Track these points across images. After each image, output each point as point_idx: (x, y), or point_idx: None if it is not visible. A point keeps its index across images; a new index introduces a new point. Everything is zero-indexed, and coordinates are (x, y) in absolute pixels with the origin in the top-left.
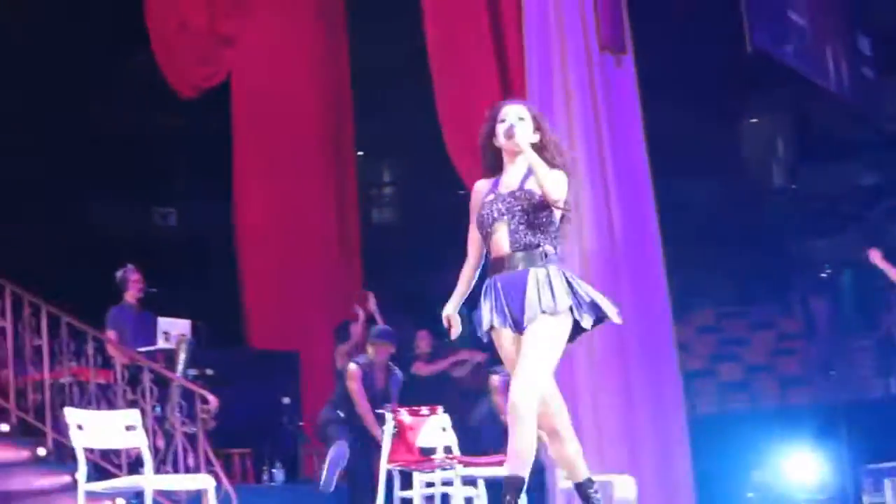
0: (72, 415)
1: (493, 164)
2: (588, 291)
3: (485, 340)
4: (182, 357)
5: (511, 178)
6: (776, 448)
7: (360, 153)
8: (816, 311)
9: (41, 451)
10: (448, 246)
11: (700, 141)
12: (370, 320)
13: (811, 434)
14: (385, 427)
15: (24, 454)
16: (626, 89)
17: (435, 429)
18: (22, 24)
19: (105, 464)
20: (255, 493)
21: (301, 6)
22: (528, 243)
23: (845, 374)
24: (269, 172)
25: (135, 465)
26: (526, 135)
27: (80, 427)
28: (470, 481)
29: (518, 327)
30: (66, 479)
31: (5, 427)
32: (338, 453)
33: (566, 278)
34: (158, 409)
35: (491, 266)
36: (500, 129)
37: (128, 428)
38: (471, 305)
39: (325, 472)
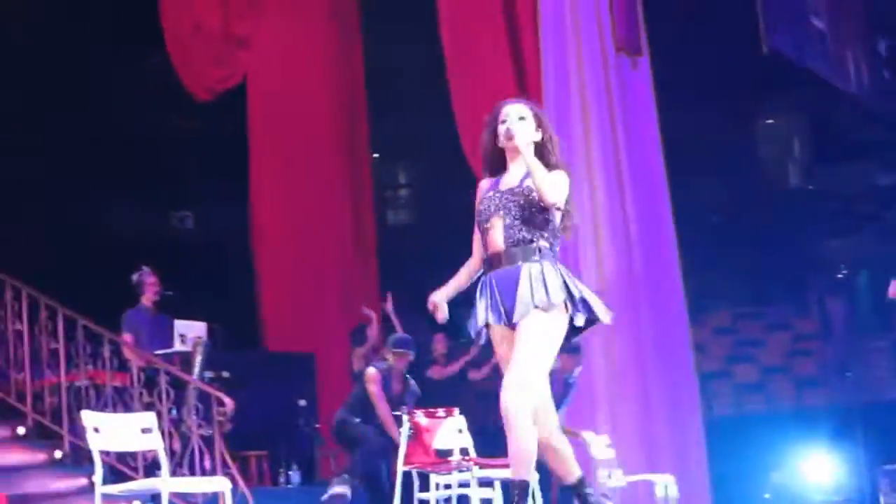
0: (88, 417)
1: (496, 164)
2: (581, 289)
3: (480, 340)
4: (198, 359)
5: (512, 176)
6: (792, 449)
7: (375, 155)
8: (832, 312)
9: (57, 454)
10: (463, 247)
11: (716, 142)
12: (385, 322)
13: (827, 435)
14: (402, 429)
15: (41, 457)
16: (641, 91)
17: (451, 431)
18: (39, 26)
19: (121, 466)
20: (272, 495)
21: (315, 7)
22: (522, 239)
23: (861, 375)
24: (284, 174)
25: (151, 468)
26: (527, 135)
27: (96, 430)
28: (486, 483)
29: (509, 321)
30: (83, 481)
31: (22, 430)
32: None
33: (561, 274)
34: (175, 412)
35: (486, 263)
36: (501, 129)
37: (144, 430)
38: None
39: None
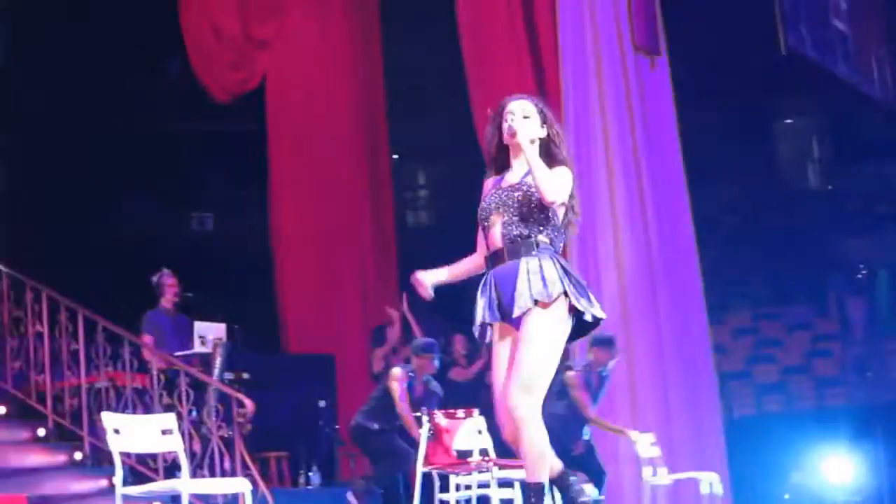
0: (108, 419)
1: (500, 161)
2: (580, 280)
3: (485, 338)
4: (218, 361)
5: (514, 173)
6: (812, 449)
7: (394, 156)
8: (852, 312)
9: (78, 456)
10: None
11: (735, 142)
12: (405, 323)
13: (847, 435)
14: (422, 430)
15: (61, 458)
16: (660, 91)
17: (471, 431)
18: (62, 27)
19: (141, 468)
20: (292, 496)
21: (334, 10)
22: (520, 235)
23: (881, 375)
24: (304, 176)
25: (171, 469)
26: (532, 132)
27: (116, 431)
28: (506, 483)
29: (508, 316)
30: (103, 483)
31: (42, 431)
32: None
33: (560, 266)
34: (195, 413)
35: (488, 261)
36: (505, 127)
37: (164, 432)
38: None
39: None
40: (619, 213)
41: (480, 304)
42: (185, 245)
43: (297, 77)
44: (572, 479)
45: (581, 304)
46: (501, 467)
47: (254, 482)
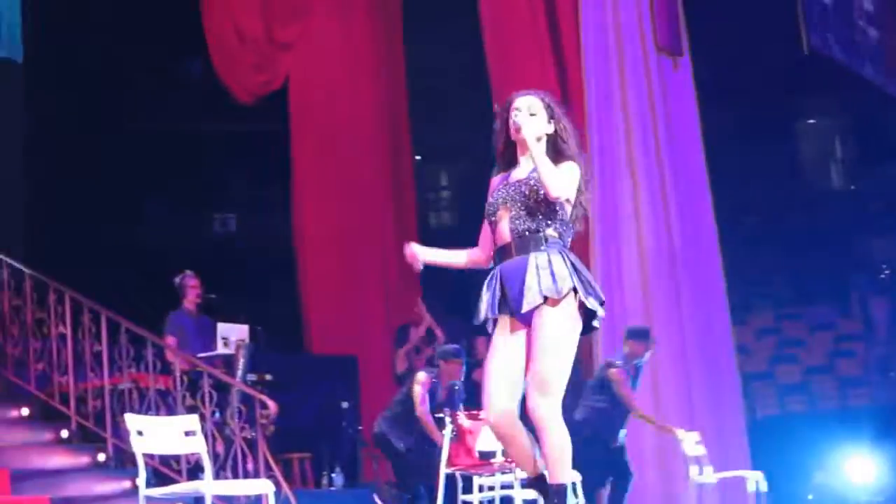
0: (132, 421)
1: (508, 157)
2: (588, 276)
3: (488, 328)
4: (241, 362)
5: (522, 169)
6: (835, 450)
7: (417, 157)
8: (875, 312)
9: (101, 457)
10: None
11: (758, 142)
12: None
13: (870, 435)
14: (444, 431)
15: (84, 460)
16: (683, 91)
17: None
18: (82, 29)
19: (164, 469)
20: (315, 497)
21: (356, 11)
22: (528, 229)
23: None
24: (327, 177)
25: (194, 471)
26: (538, 128)
27: (139, 433)
28: (528, 485)
29: (514, 311)
30: (126, 484)
31: (65, 433)
32: None
33: (570, 261)
34: (218, 415)
35: (495, 256)
36: (511, 122)
37: (187, 433)
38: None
39: None
40: (641, 213)
41: (485, 298)
42: (208, 246)
43: (320, 78)
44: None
45: (589, 303)
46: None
47: (277, 483)
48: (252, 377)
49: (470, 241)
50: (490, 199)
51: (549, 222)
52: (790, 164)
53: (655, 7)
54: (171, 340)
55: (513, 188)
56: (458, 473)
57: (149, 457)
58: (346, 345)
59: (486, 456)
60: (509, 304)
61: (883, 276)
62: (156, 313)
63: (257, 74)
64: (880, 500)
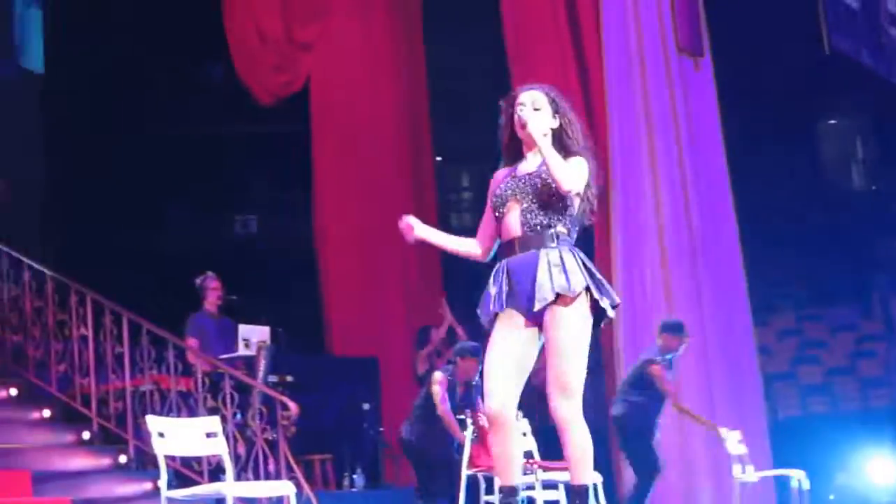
0: (153, 422)
1: (513, 151)
2: (600, 275)
3: (487, 326)
4: (262, 364)
5: (529, 163)
6: (857, 450)
7: (437, 158)
8: None
9: (122, 459)
10: None
11: (778, 142)
12: (450, 326)
13: (892, 436)
14: (466, 432)
15: (106, 461)
16: (704, 92)
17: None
18: (103, 34)
19: (186, 471)
20: (336, 498)
21: (377, 12)
22: (540, 224)
23: None
24: (348, 178)
25: (215, 472)
26: (543, 123)
27: (161, 435)
28: (551, 486)
29: (528, 310)
30: (148, 486)
31: (87, 434)
32: None
33: (581, 260)
34: (239, 416)
35: (501, 250)
36: (516, 117)
37: (209, 435)
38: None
39: None
40: (663, 213)
41: (492, 292)
42: (230, 248)
43: (341, 79)
44: (518, 498)
45: (603, 303)
46: (546, 469)
47: (298, 485)
48: (273, 379)
49: None
50: (497, 192)
51: (560, 217)
52: (811, 164)
53: (676, 8)
54: (192, 342)
55: (523, 181)
56: (479, 475)
57: (170, 458)
58: (367, 346)
59: None
60: (516, 299)
61: None
62: (177, 315)
63: (278, 75)
64: None
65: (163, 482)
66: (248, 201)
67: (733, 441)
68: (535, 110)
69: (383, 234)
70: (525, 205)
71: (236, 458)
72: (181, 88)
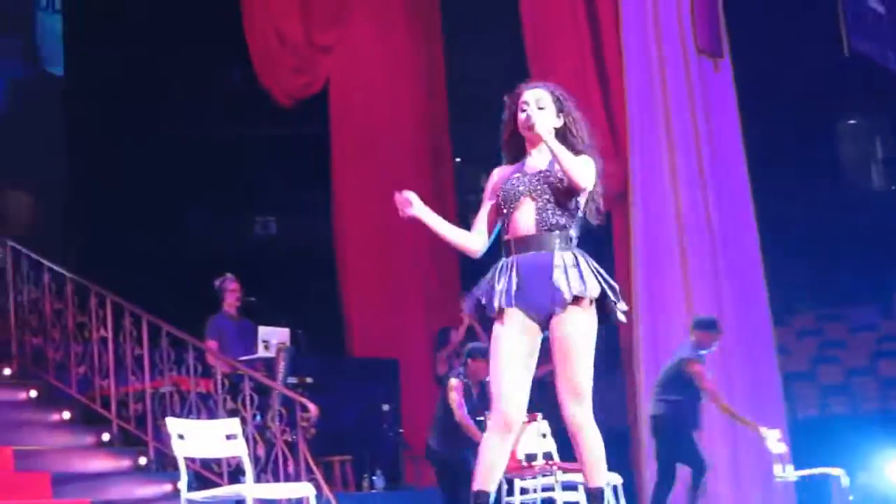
0: (173, 424)
1: (515, 151)
2: (612, 281)
3: (491, 312)
4: (282, 365)
5: (537, 161)
6: (877, 451)
7: (457, 160)
8: None
9: (142, 460)
10: None
11: (798, 143)
12: (470, 327)
13: None
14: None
15: (126, 463)
16: (723, 93)
17: (534, 435)
18: (123, 37)
19: (206, 472)
20: (356, 500)
21: (396, 15)
22: (557, 224)
23: None
24: (367, 179)
25: (235, 474)
26: (547, 122)
27: (181, 436)
28: (570, 487)
29: (537, 310)
30: (168, 487)
31: (107, 436)
32: None
33: (593, 264)
34: (259, 418)
35: (511, 245)
36: (521, 117)
37: (228, 437)
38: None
39: None
40: (682, 213)
41: (498, 287)
42: (249, 249)
43: (360, 81)
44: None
45: (621, 305)
46: (565, 471)
47: (318, 486)
48: (293, 380)
49: None
50: (506, 187)
51: (572, 218)
52: (831, 164)
53: (696, 9)
54: (211, 344)
55: (538, 178)
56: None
57: (190, 460)
58: (386, 347)
59: (528, 458)
60: (526, 298)
61: None
62: (197, 317)
63: (297, 77)
64: None
65: (182, 484)
66: (267, 203)
67: (773, 439)
68: (539, 109)
69: (402, 236)
70: (541, 203)
71: (256, 459)
72: (201, 91)
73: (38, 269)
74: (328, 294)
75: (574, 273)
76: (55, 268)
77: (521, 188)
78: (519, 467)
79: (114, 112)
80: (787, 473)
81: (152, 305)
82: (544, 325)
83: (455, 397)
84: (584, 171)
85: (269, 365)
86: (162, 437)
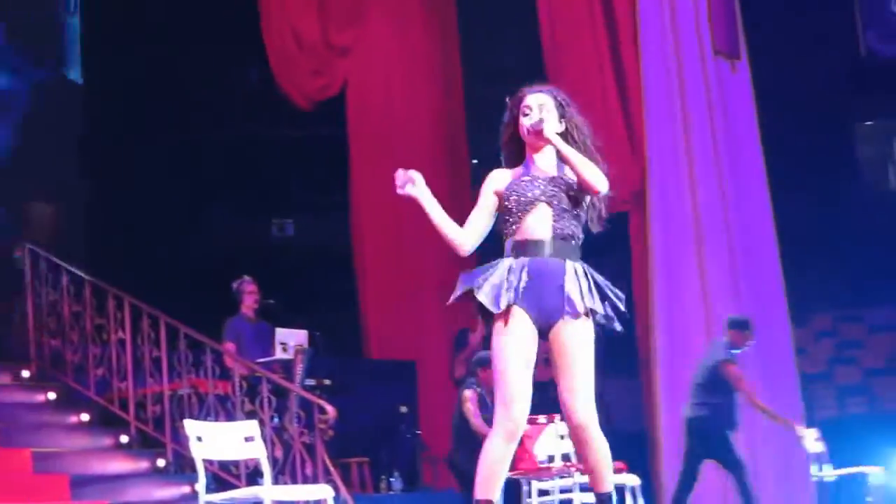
0: (191, 427)
1: (512, 152)
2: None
3: (495, 311)
4: (300, 367)
5: (544, 165)
6: None
7: (474, 161)
8: None
9: (160, 462)
10: None
11: (815, 144)
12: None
13: None
14: None
15: (144, 465)
16: (741, 94)
17: (552, 437)
18: (142, 38)
19: (224, 474)
20: (374, 501)
21: (413, 16)
22: (572, 234)
23: None
24: (385, 181)
25: (253, 476)
26: (552, 126)
27: (199, 439)
28: (588, 489)
29: (543, 317)
30: (186, 489)
31: (125, 438)
32: None
33: (598, 276)
34: (277, 420)
35: (521, 247)
36: (525, 121)
37: (246, 439)
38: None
39: None
40: (700, 213)
41: (505, 286)
42: (267, 251)
43: (377, 82)
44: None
45: (619, 319)
46: (583, 472)
47: (336, 488)
48: (311, 382)
49: None
50: (518, 188)
51: (580, 227)
52: (848, 165)
53: (713, 10)
54: (229, 346)
55: (551, 185)
56: (521, 478)
57: (208, 462)
58: (404, 349)
59: (546, 460)
60: (532, 300)
61: None
62: (215, 319)
63: (315, 79)
64: None
65: (201, 486)
66: (285, 204)
67: (811, 439)
68: (544, 113)
69: (420, 237)
70: (557, 211)
71: (274, 461)
72: (218, 92)
73: (57, 272)
74: (346, 296)
75: (586, 284)
76: (73, 270)
77: (536, 192)
78: (537, 469)
79: (131, 114)
80: (824, 472)
81: (170, 307)
82: (544, 330)
83: (470, 408)
84: (599, 175)
85: (286, 367)
86: (180, 438)
